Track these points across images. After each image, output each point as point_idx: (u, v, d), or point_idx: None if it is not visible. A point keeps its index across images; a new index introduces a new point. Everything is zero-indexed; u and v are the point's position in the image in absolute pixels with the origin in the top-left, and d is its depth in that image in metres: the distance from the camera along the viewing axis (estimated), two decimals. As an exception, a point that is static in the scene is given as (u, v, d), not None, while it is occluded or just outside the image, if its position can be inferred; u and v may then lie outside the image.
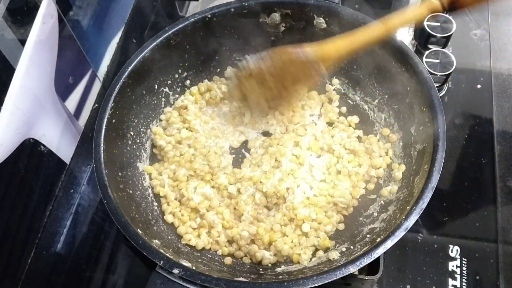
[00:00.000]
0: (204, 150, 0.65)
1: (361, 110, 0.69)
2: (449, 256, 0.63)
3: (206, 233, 0.60)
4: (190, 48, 0.68)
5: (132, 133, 0.64)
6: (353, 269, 0.46)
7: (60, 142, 0.62)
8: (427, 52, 0.75)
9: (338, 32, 0.65)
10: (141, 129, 0.66)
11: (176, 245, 0.59)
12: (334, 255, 0.55)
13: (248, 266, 0.58)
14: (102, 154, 0.56)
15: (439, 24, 0.76)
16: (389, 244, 0.47)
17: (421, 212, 0.49)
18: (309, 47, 0.55)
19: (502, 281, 0.60)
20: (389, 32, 0.56)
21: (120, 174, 0.59)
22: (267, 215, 0.61)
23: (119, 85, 0.60)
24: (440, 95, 0.76)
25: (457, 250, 0.63)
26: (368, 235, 0.57)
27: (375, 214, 0.60)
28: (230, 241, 0.60)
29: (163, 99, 0.69)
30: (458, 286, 0.61)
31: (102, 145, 0.57)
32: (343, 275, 0.46)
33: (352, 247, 0.56)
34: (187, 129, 0.67)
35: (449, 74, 0.74)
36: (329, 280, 0.46)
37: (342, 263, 0.48)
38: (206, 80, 0.71)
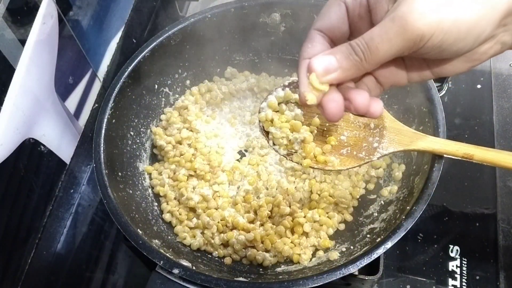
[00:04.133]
0: (205, 150, 0.65)
1: (361, 110, 0.69)
2: (449, 256, 0.63)
3: (201, 233, 0.60)
4: (190, 48, 0.68)
5: (132, 133, 0.64)
6: (353, 269, 0.46)
7: (60, 142, 0.62)
8: (427, 52, 0.75)
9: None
10: (141, 129, 0.66)
11: (176, 245, 0.59)
12: (334, 255, 0.55)
13: (248, 266, 0.58)
14: (102, 154, 0.56)
15: (439, 24, 0.76)
16: (389, 244, 0.47)
17: (421, 212, 0.49)
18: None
19: (502, 281, 0.60)
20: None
21: (120, 174, 0.59)
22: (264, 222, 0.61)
23: (119, 85, 0.61)
24: (440, 95, 0.76)
25: (457, 250, 0.63)
26: (368, 235, 0.57)
27: (375, 214, 0.60)
28: (225, 244, 0.60)
29: (163, 99, 0.69)
30: (458, 286, 0.61)
31: (102, 145, 0.57)
32: (343, 275, 0.46)
33: (352, 247, 0.56)
34: (187, 129, 0.67)
35: (449, 74, 0.73)
36: (329, 280, 0.46)
37: (342, 263, 0.48)
38: (206, 80, 0.71)
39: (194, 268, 0.50)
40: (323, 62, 0.37)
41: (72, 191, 0.65)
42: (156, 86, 0.68)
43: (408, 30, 0.33)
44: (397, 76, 0.42)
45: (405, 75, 0.42)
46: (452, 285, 0.61)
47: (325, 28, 0.40)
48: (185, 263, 0.50)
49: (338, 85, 0.40)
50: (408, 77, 0.42)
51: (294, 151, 0.50)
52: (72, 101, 0.65)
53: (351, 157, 0.50)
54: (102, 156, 0.56)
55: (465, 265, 0.62)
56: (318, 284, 0.46)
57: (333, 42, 0.40)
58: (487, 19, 0.34)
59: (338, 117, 0.39)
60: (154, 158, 0.68)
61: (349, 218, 0.61)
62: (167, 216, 0.61)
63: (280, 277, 0.54)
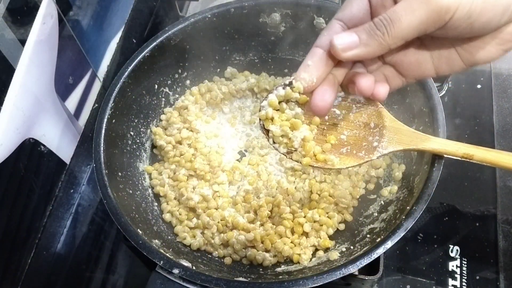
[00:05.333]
0: (205, 150, 0.65)
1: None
2: (449, 256, 0.63)
3: (201, 233, 0.60)
4: (190, 48, 0.68)
5: (132, 133, 0.64)
6: (353, 269, 0.46)
7: (60, 142, 0.62)
8: (427, 52, 0.75)
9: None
10: (141, 129, 0.66)
11: (176, 245, 0.59)
12: (334, 255, 0.55)
13: (248, 266, 0.58)
14: (102, 154, 0.56)
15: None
16: (389, 244, 0.47)
17: (421, 212, 0.49)
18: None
19: (502, 281, 0.60)
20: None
21: (120, 174, 0.59)
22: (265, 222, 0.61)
23: (119, 85, 0.61)
24: (440, 95, 0.76)
25: (457, 250, 0.63)
26: (368, 235, 0.57)
27: (375, 214, 0.60)
28: (225, 244, 0.60)
29: (163, 99, 0.69)
30: (458, 286, 0.61)
31: (102, 145, 0.57)
32: (343, 275, 0.46)
33: (352, 247, 0.56)
34: (187, 129, 0.67)
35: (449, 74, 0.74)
36: (329, 280, 0.46)
37: (342, 263, 0.48)
38: (206, 80, 0.71)
39: (194, 268, 0.50)
40: (344, 38, 0.36)
41: (72, 191, 0.65)
42: (156, 86, 0.68)
43: (432, 3, 0.32)
44: (422, 66, 0.40)
45: (432, 66, 0.40)
46: (452, 285, 0.61)
47: (346, 18, 0.39)
48: (185, 263, 0.50)
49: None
50: (435, 67, 0.40)
51: (294, 149, 0.50)
52: (72, 101, 0.65)
53: (351, 156, 0.50)
54: (102, 156, 0.56)
55: (465, 265, 0.62)
56: (318, 284, 0.46)
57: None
58: None
59: (321, 111, 0.40)
60: (154, 158, 0.68)
61: (349, 218, 0.61)
62: (167, 216, 0.61)
63: (280, 277, 0.54)
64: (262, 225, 0.60)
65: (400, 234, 0.48)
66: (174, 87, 0.70)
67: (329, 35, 0.38)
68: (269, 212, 0.60)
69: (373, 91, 0.40)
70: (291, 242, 0.58)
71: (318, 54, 0.38)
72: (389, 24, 0.34)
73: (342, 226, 0.61)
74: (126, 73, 0.61)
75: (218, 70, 0.73)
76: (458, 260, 0.63)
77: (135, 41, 0.76)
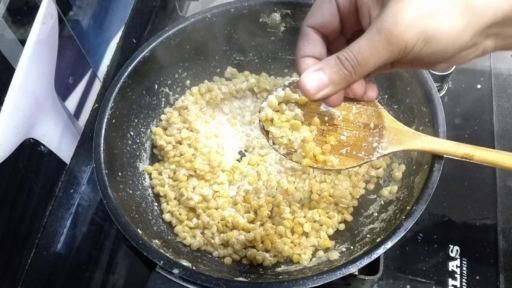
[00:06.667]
0: (205, 150, 0.65)
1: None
2: (449, 256, 0.63)
3: (201, 233, 0.60)
4: (190, 48, 0.68)
5: (132, 133, 0.64)
6: (353, 269, 0.46)
7: (60, 142, 0.62)
8: (427, 52, 0.75)
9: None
10: (141, 129, 0.66)
11: (176, 245, 0.59)
12: (334, 255, 0.55)
13: (248, 266, 0.58)
14: (102, 154, 0.56)
15: (439, 24, 0.76)
16: (389, 244, 0.47)
17: (421, 212, 0.49)
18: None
19: (502, 281, 0.60)
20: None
21: (120, 174, 0.59)
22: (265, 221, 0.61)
23: (119, 85, 0.61)
24: (440, 95, 0.76)
25: (457, 250, 0.63)
26: (368, 235, 0.57)
27: (375, 214, 0.60)
28: (225, 244, 0.60)
29: (163, 99, 0.69)
30: (458, 286, 0.61)
31: (102, 145, 0.57)
32: (343, 275, 0.46)
33: (352, 247, 0.56)
34: (187, 129, 0.67)
35: (449, 74, 0.74)
36: (329, 280, 0.46)
37: (342, 263, 0.48)
38: (206, 80, 0.71)
39: (194, 268, 0.50)
40: (314, 80, 0.37)
41: (72, 191, 0.65)
42: (156, 86, 0.68)
43: (394, 44, 0.33)
44: (382, 69, 0.42)
45: (390, 67, 0.43)
46: (452, 285, 0.61)
47: (318, 25, 0.41)
48: (185, 263, 0.50)
49: None
50: (391, 68, 0.43)
51: (293, 150, 0.50)
52: (72, 101, 0.65)
53: (351, 157, 0.50)
54: (102, 156, 0.56)
55: (465, 265, 0.62)
56: (318, 284, 0.46)
57: (326, 37, 0.42)
58: (470, 31, 0.34)
59: (338, 104, 0.42)
60: (154, 158, 0.68)
61: (349, 218, 0.61)
62: (167, 216, 0.61)
63: (280, 277, 0.54)
64: (262, 225, 0.60)
65: (400, 234, 0.48)
66: (174, 87, 0.70)
67: (309, 44, 0.41)
68: (269, 212, 0.60)
69: (366, 93, 0.43)
70: (291, 242, 0.58)
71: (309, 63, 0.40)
72: (355, 64, 0.35)
73: (342, 226, 0.61)
74: (126, 73, 0.61)
75: (218, 70, 0.73)
76: (458, 260, 0.63)
77: (135, 41, 0.76)
